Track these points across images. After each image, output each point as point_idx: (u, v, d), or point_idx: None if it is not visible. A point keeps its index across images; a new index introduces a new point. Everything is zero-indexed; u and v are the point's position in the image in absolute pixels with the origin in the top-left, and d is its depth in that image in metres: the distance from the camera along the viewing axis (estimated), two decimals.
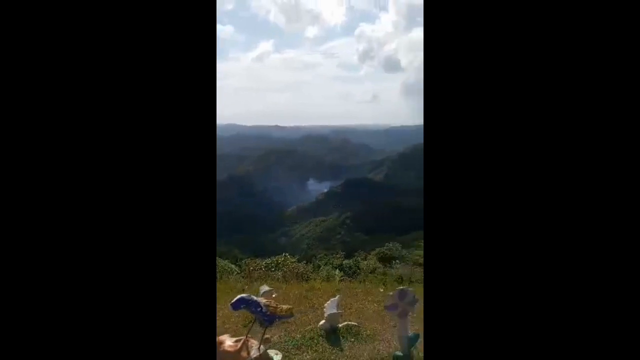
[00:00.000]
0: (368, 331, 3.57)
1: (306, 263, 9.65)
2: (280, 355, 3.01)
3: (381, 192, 74.66)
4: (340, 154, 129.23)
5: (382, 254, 11.32)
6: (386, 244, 12.64)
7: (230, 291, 5.10)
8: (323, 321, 3.55)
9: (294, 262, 8.55)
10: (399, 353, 3.03)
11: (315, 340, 3.37)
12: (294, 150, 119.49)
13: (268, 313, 2.65)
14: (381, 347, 3.26)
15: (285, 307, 2.80)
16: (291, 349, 3.23)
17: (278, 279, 6.80)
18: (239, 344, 2.61)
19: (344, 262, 9.58)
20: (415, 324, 3.49)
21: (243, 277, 7.15)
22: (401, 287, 3.27)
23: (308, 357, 3.11)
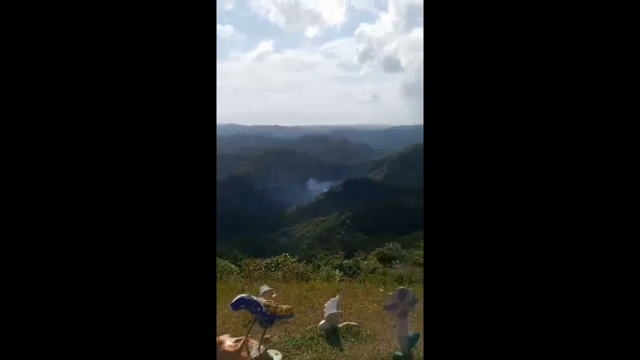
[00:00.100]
0: (368, 331, 3.57)
1: (306, 263, 9.65)
2: (280, 355, 3.01)
3: (381, 192, 74.67)
4: (340, 154, 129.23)
5: (382, 254, 11.32)
6: (386, 244, 12.63)
7: (230, 291, 5.10)
8: (323, 321, 3.55)
9: (294, 262, 8.55)
10: (399, 353, 3.03)
11: (315, 340, 3.37)
12: (293, 150, 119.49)
13: (268, 313, 2.65)
14: (381, 347, 3.26)
15: (285, 307, 2.80)
16: (291, 349, 3.23)
17: (278, 279, 6.80)
18: (239, 344, 2.61)
19: (344, 262, 9.58)
20: (415, 324, 3.49)
21: (243, 277, 7.15)
22: (401, 287, 3.27)
23: (308, 357, 3.11)
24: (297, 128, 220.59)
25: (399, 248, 12.19)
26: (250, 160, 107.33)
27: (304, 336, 3.45)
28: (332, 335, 3.46)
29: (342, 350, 3.21)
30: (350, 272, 8.38)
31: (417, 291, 3.54)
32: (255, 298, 2.68)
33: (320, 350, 3.21)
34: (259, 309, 2.62)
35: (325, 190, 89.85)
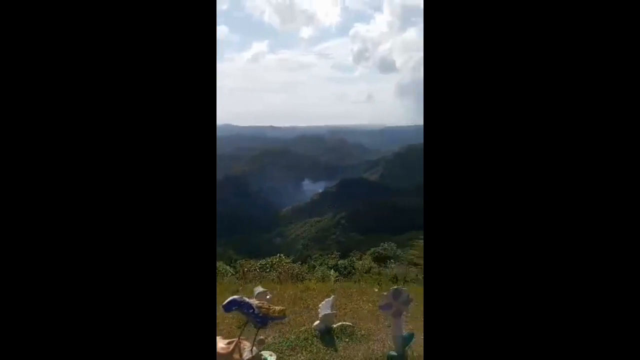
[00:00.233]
0: (362, 331, 3.56)
1: (301, 263, 9.63)
2: (275, 356, 2.99)
3: (376, 192, 74.94)
4: (335, 154, 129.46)
5: (377, 254, 11.33)
6: (381, 243, 12.65)
7: (224, 292, 5.06)
8: (317, 322, 3.54)
9: (289, 262, 8.53)
10: (394, 353, 3.02)
11: (310, 341, 3.35)
12: (289, 151, 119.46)
13: (260, 314, 2.62)
14: (375, 347, 3.26)
15: (278, 308, 2.78)
16: (285, 349, 3.21)
17: (273, 279, 6.77)
18: (232, 346, 2.58)
19: (339, 262, 9.58)
20: (409, 324, 3.49)
21: (237, 278, 7.11)
22: (395, 287, 3.27)
23: (302, 357, 3.10)
24: (293, 128, 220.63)
25: (394, 248, 12.21)
26: (245, 160, 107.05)
27: (299, 337, 3.44)
28: (327, 335, 3.45)
29: (336, 350, 3.20)
30: (345, 272, 8.38)
31: (412, 291, 3.53)
32: (247, 300, 2.65)
33: (315, 350, 3.20)
34: (251, 311, 2.59)
35: (321, 190, 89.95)
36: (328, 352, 3.17)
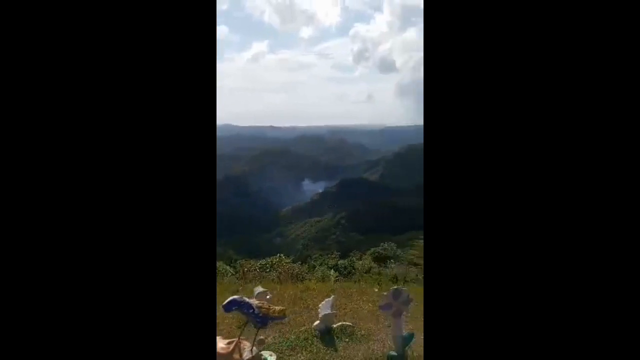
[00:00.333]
0: (362, 331, 3.56)
1: (301, 263, 9.63)
2: (275, 356, 2.99)
3: (376, 192, 74.92)
4: (335, 154, 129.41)
5: (377, 254, 11.33)
6: (381, 243, 12.64)
7: (224, 292, 5.06)
8: (317, 322, 3.54)
9: (289, 262, 8.53)
10: (394, 353, 3.02)
11: (310, 341, 3.35)
12: (289, 151, 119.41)
13: (260, 314, 2.62)
14: (375, 347, 3.26)
15: (278, 308, 2.77)
16: (285, 349, 3.21)
17: (273, 279, 6.77)
18: (232, 346, 2.58)
19: (339, 262, 9.57)
20: (409, 324, 3.48)
21: (238, 278, 7.11)
22: (395, 287, 3.27)
23: (302, 357, 3.10)
24: (293, 128, 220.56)
25: (394, 248, 12.20)
26: (245, 160, 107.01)
27: (299, 337, 3.43)
28: (327, 335, 3.45)
29: (336, 350, 3.20)
30: (345, 272, 8.38)
31: (412, 291, 3.53)
32: (247, 300, 2.65)
33: (315, 350, 3.20)
34: (251, 311, 2.59)
35: (321, 190, 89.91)
36: (328, 352, 3.17)
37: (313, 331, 3.51)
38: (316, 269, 8.75)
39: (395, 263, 9.90)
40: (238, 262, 9.47)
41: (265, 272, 7.60)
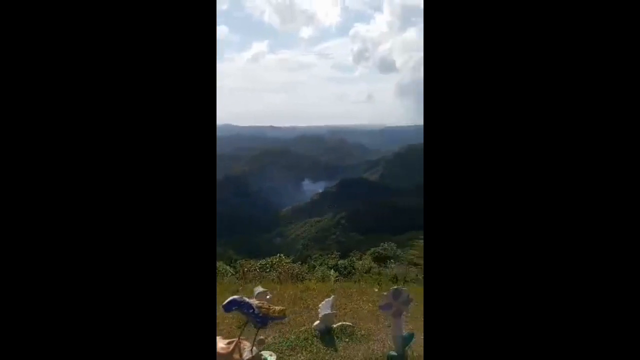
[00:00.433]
0: (362, 331, 3.56)
1: (301, 263, 9.63)
2: (275, 356, 2.99)
3: (376, 192, 74.91)
4: (335, 154, 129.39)
5: (377, 254, 11.33)
6: (381, 243, 12.64)
7: (224, 292, 5.06)
8: (317, 322, 3.54)
9: (289, 262, 8.53)
10: (394, 353, 3.02)
11: (310, 341, 3.35)
12: (289, 151, 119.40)
13: (260, 314, 2.62)
14: (375, 347, 3.26)
15: (278, 308, 2.77)
16: (285, 349, 3.21)
17: (273, 279, 6.77)
18: (232, 346, 2.58)
19: (339, 262, 9.57)
20: (409, 324, 3.48)
21: (238, 278, 7.11)
22: (395, 287, 3.27)
23: (302, 357, 3.10)
24: (293, 128, 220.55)
25: (394, 248, 12.20)
26: (245, 160, 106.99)
27: (299, 337, 3.43)
28: (327, 335, 3.45)
29: (336, 350, 3.20)
30: (345, 272, 8.38)
31: (412, 291, 3.53)
32: (247, 300, 2.65)
33: (315, 350, 3.20)
34: (251, 311, 2.59)
35: (321, 190, 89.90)
36: (328, 352, 3.17)
37: (313, 331, 3.51)
38: (316, 269, 8.75)
39: (395, 263, 9.90)
40: (238, 262, 9.47)
41: (265, 272, 7.60)
